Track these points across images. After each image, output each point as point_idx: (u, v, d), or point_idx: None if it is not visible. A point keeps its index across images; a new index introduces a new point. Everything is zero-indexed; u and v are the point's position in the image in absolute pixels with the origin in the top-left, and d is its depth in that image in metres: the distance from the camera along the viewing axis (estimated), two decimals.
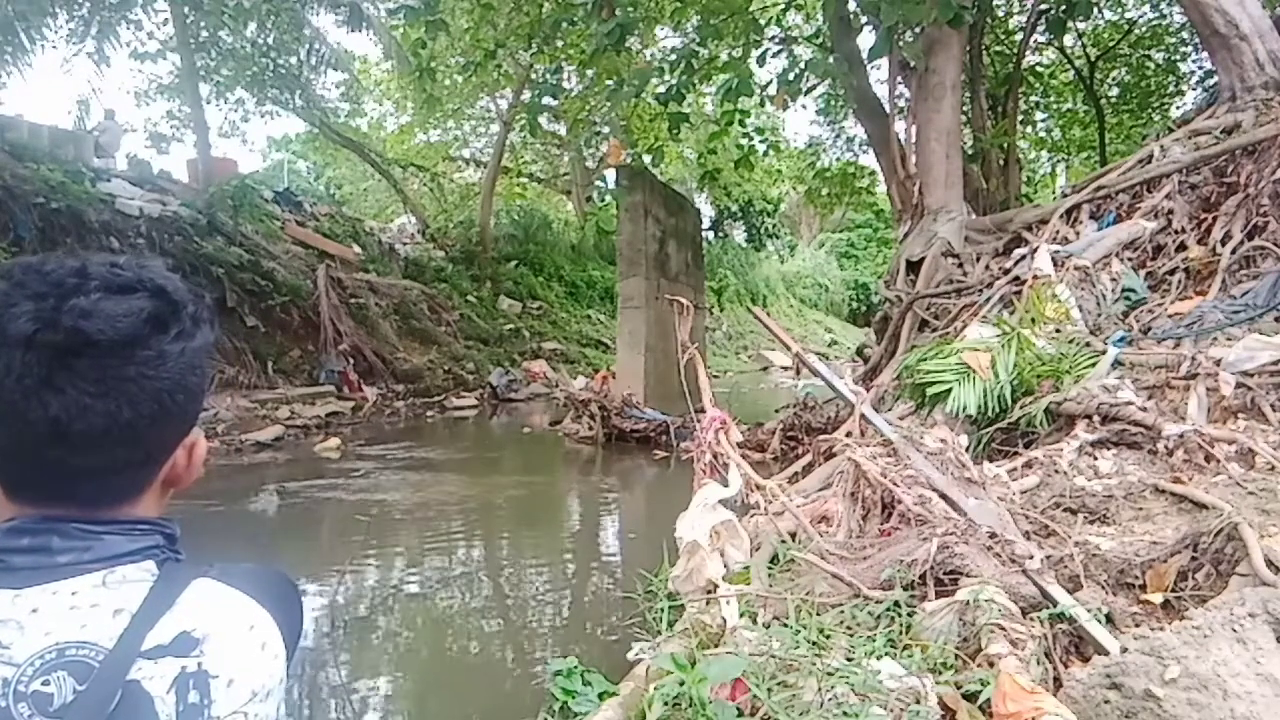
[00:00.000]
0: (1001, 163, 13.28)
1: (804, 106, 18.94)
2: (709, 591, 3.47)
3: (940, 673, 2.60)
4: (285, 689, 0.80)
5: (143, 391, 0.73)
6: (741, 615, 3.19)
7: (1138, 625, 2.79)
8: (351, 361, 13.80)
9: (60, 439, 0.71)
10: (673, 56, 11.11)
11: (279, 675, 0.77)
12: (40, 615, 0.69)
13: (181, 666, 0.71)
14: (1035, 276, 6.44)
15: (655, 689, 2.48)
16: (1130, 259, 6.71)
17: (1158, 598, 2.97)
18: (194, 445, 0.82)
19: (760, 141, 16.44)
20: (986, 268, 8.04)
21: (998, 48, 14.76)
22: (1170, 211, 6.84)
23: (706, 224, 30.63)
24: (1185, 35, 14.67)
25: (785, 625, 3.00)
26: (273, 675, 0.76)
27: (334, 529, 6.67)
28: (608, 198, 26.70)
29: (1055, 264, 6.55)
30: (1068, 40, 15.66)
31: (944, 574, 3.15)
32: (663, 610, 3.67)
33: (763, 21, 11.26)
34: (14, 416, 0.70)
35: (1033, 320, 6.08)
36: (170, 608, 0.72)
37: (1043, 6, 12.22)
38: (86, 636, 0.70)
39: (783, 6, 12.98)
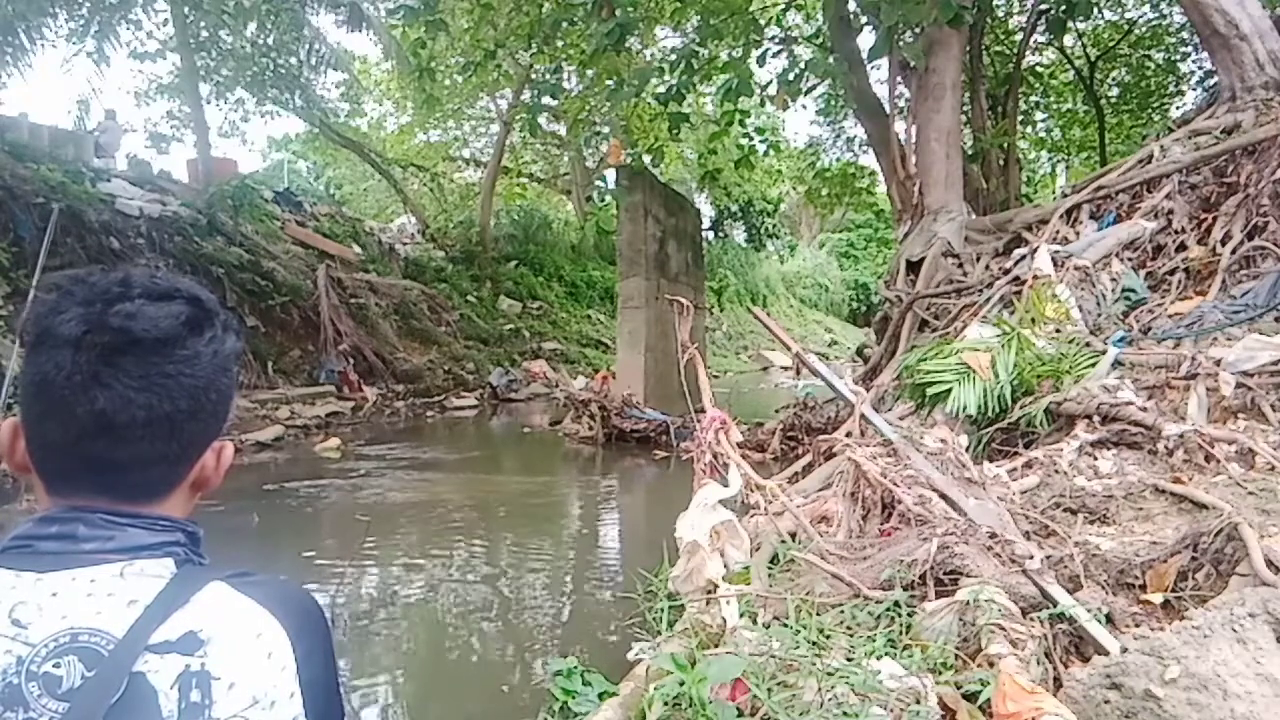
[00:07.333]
0: (1001, 163, 13.29)
1: (804, 106, 18.93)
2: (709, 591, 3.46)
3: (940, 673, 2.59)
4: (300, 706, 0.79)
5: (180, 387, 0.78)
6: (741, 615, 3.19)
7: (1138, 625, 2.79)
8: (351, 361, 13.80)
9: (105, 430, 0.76)
10: (673, 56, 11.10)
11: (288, 688, 0.78)
12: (59, 599, 0.73)
13: (185, 664, 0.73)
14: (1035, 276, 6.43)
15: (655, 689, 2.48)
16: (1130, 259, 6.70)
17: (1158, 598, 2.96)
18: (222, 449, 0.87)
19: (760, 141, 16.48)
20: (986, 268, 8.04)
21: (998, 48, 14.77)
22: (1170, 211, 6.84)
23: (706, 224, 30.63)
24: (1185, 35, 14.68)
25: (785, 625, 3.00)
26: (277, 685, 0.77)
27: (334, 529, 6.67)
28: (608, 198, 26.67)
29: (1055, 264, 6.54)
30: (1068, 40, 15.66)
31: (944, 574, 3.14)
32: (663, 610, 3.66)
33: (763, 21, 11.25)
34: (63, 410, 0.76)
35: (1033, 320, 6.08)
36: (182, 606, 0.75)
37: (1043, 6, 12.22)
38: (100, 624, 0.72)
39: (783, 6, 12.98)
